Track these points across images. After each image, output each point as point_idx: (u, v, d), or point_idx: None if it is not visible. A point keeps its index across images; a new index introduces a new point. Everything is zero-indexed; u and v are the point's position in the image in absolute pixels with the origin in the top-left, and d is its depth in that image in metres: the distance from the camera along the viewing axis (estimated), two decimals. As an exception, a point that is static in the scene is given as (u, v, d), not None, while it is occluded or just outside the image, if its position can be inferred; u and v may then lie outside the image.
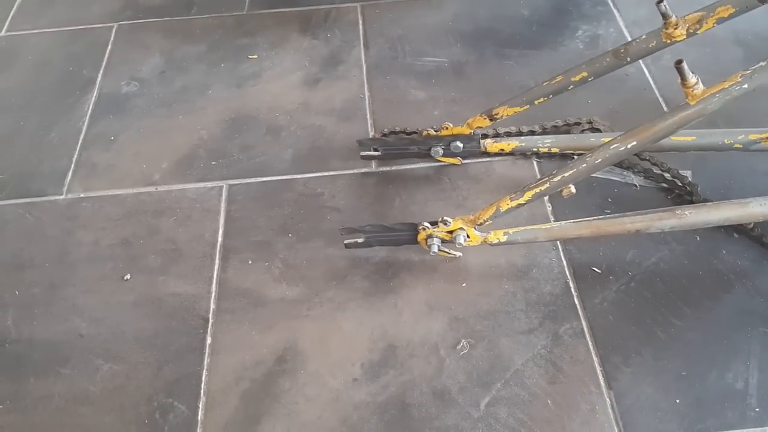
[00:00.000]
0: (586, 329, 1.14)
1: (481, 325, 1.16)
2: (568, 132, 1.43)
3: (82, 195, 1.42)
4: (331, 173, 1.42)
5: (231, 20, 1.82)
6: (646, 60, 1.57)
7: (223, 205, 1.38)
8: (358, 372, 1.12)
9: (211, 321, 1.20)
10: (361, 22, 1.78)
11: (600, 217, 1.16)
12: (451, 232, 1.18)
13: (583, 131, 1.42)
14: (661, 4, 1.03)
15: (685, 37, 1.09)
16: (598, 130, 1.42)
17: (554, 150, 1.37)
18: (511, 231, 1.18)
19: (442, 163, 1.41)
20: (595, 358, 1.11)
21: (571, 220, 1.16)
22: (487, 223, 1.16)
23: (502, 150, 1.39)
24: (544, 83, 1.24)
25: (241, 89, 1.63)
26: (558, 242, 1.26)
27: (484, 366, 1.11)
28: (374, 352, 1.14)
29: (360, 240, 1.24)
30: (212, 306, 1.22)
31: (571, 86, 1.22)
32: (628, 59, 1.17)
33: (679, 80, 0.97)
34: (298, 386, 1.11)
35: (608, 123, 1.43)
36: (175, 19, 1.84)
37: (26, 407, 1.11)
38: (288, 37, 1.75)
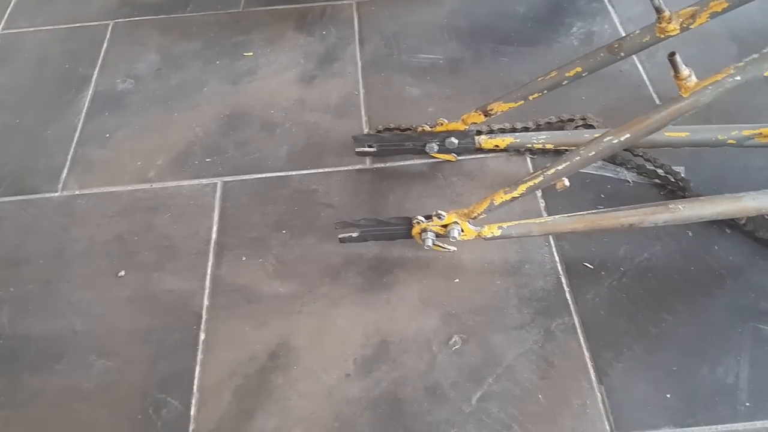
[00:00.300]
0: (577, 325, 1.15)
1: (473, 321, 1.16)
2: (562, 129, 1.43)
3: (77, 192, 1.43)
4: (326, 170, 1.43)
5: (227, 17, 1.82)
6: (640, 56, 1.58)
7: (217, 201, 1.38)
8: (351, 367, 1.12)
9: (204, 317, 1.20)
10: (356, 19, 1.79)
11: (593, 211, 1.16)
12: (445, 226, 1.18)
13: (576, 128, 1.42)
14: (655, -2, 1.03)
15: (678, 31, 1.09)
16: (591, 127, 1.42)
17: (548, 146, 1.37)
18: (505, 225, 1.18)
19: (437, 160, 1.42)
20: (586, 354, 1.11)
21: (565, 215, 1.16)
22: (481, 216, 1.16)
23: (497, 146, 1.39)
24: (539, 78, 1.24)
25: (236, 86, 1.63)
26: (551, 238, 1.26)
27: (476, 361, 1.12)
28: (367, 347, 1.15)
29: (354, 234, 1.24)
30: (206, 302, 1.22)
31: (566, 81, 1.22)
32: (622, 54, 1.17)
33: (672, 73, 0.97)
34: (291, 382, 1.11)
35: (602, 119, 1.43)
36: (171, 17, 1.84)
37: (20, 402, 1.12)
38: (283, 34, 1.76)
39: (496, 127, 1.42)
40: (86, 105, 1.61)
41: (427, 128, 1.40)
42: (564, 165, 1.09)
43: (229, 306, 1.21)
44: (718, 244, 1.23)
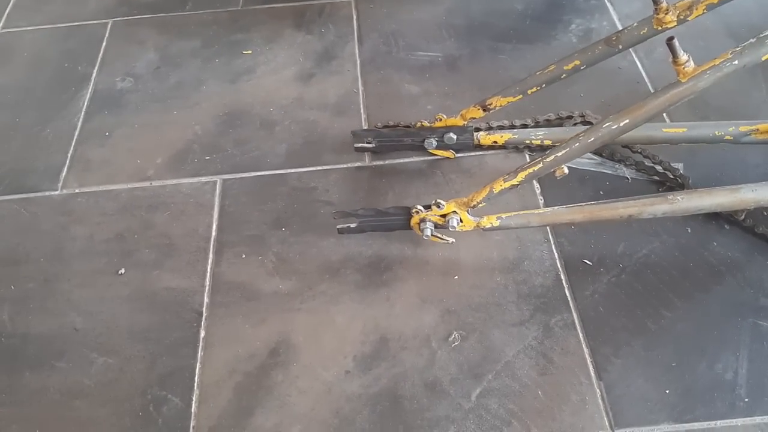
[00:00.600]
0: (576, 321, 1.15)
1: (472, 318, 1.17)
2: (560, 125, 1.43)
3: (77, 190, 1.43)
4: (325, 167, 1.43)
5: (225, 16, 1.82)
6: (638, 53, 1.58)
7: (216, 199, 1.38)
8: (351, 364, 1.13)
9: (204, 314, 1.20)
10: (355, 17, 1.79)
11: (592, 202, 1.16)
12: (444, 215, 1.18)
13: (575, 125, 1.43)
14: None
15: (675, 23, 1.10)
16: (590, 123, 1.42)
17: (546, 142, 1.37)
18: (504, 216, 1.18)
19: (435, 157, 1.42)
20: (585, 350, 1.12)
21: (564, 206, 1.16)
22: (480, 205, 1.16)
23: (495, 142, 1.39)
24: (537, 72, 1.25)
25: (235, 84, 1.63)
26: (550, 234, 1.26)
27: (476, 358, 1.12)
28: (366, 344, 1.15)
29: (353, 225, 1.24)
30: (206, 300, 1.22)
31: (564, 75, 1.23)
32: (620, 47, 1.17)
33: (671, 58, 0.97)
34: (290, 379, 1.12)
35: (600, 116, 1.43)
36: (169, 15, 1.84)
37: (21, 400, 1.12)
38: (282, 32, 1.76)
39: (494, 124, 1.42)
40: (85, 104, 1.61)
41: (426, 124, 1.41)
42: (563, 152, 1.08)
43: (228, 303, 1.22)
44: (716, 240, 1.24)
